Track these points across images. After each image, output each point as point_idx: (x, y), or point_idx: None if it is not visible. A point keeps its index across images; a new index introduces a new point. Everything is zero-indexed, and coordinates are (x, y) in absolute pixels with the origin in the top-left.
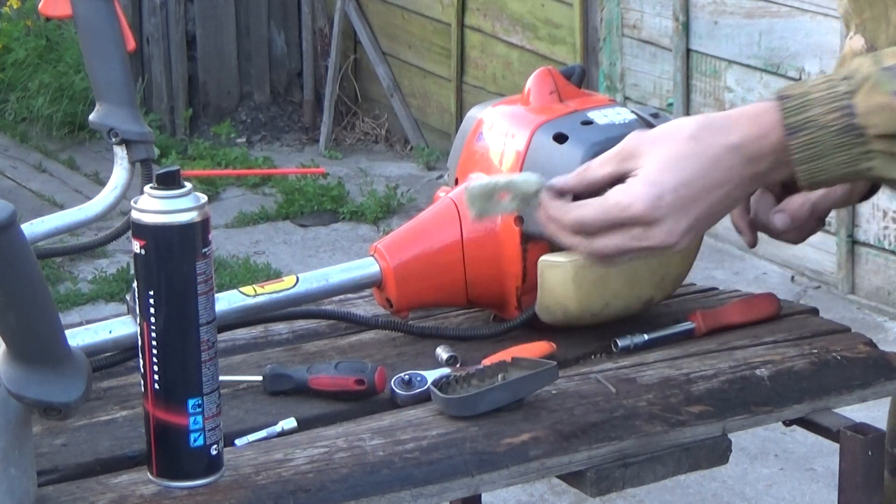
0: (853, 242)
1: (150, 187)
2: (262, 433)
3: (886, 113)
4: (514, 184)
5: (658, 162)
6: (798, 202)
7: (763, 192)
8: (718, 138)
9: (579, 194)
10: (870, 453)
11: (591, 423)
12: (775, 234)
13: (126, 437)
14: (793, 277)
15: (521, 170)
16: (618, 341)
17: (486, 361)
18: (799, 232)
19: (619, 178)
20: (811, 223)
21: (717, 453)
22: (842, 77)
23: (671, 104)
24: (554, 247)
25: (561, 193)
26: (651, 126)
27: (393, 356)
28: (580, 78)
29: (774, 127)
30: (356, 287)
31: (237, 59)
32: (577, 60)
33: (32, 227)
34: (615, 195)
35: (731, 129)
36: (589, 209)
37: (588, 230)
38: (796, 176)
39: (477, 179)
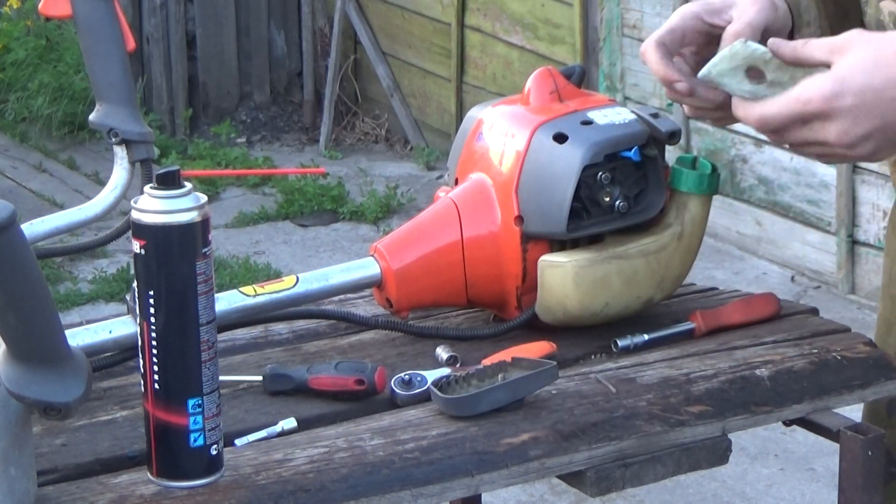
0: (853, 242)
1: (150, 187)
2: (262, 433)
3: None
4: (742, 50)
5: (856, 61)
6: (731, 32)
7: (678, 54)
8: None
9: (787, 62)
10: (870, 453)
11: (591, 423)
12: (714, 97)
13: (126, 437)
14: (793, 277)
15: (521, 170)
16: (618, 341)
17: (486, 361)
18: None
19: (825, 66)
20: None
21: (717, 453)
22: None
23: (671, 104)
24: (554, 247)
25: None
26: (651, 126)
27: (393, 356)
28: (580, 78)
29: None
30: (356, 287)
31: (237, 59)
32: (577, 60)
33: (32, 227)
34: (798, 88)
35: None
36: (772, 107)
37: (771, 126)
38: None
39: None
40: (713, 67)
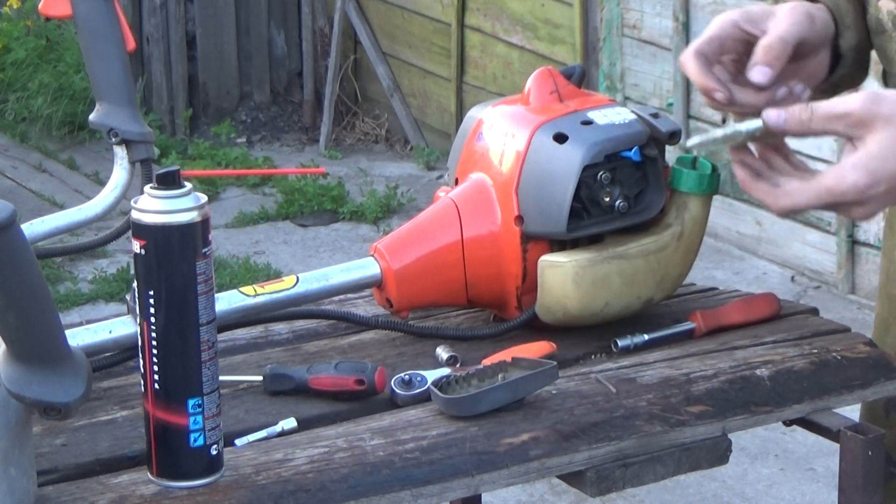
0: (853, 242)
1: (150, 187)
2: (262, 433)
3: None
4: (735, 134)
5: (883, 147)
6: (764, 45)
7: (717, 63)
8: None
9: (796, 136)
10: (870, 453)
11: (591, 423)
12: (752, 102)
13: (126, 437)
14: (793, 277)
15: (521, 170)
16: (618, 341)
17: (486, 361)
18: (789, 88)
19: (844, 137)
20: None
21: (717, 453)
22: None
23: (671, 104)
24: (554, 247)
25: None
26: (651, 126)
27: (393, 356)
28: (580, 78)
29: None
30: (356, 287)
31: (237, 59)
32: (577, 60)
33: (32, 227)
34: (828, 180)
35: None
36: (801, 197)
37: (797, 212)
38: None
39: (696, 138)
40: (702, 143)
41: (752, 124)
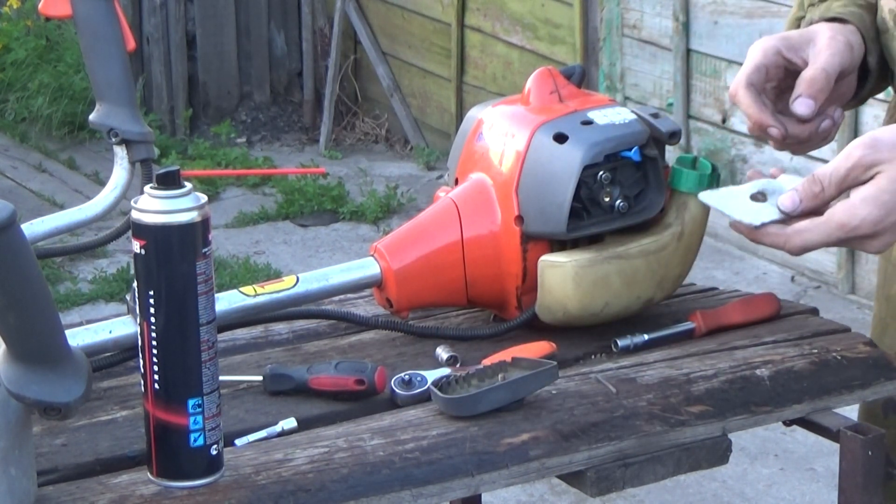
0: None
1: (150, 187)
2: (262, 433)
3: None
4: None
5: (893, 181)
6: (806, 77)
7: (762, 91)
8: None
9: (813, 211)
10: (870, 453)
11: (591, 423)
12: (796, 133)
13: (126, 437)
14: (793, 277)
15: (521, 170)
16: (618, 341)
17: (486, 361)
18: (829, 116)
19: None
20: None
21: (717, 453)
22: None
23: (671, 104)
24: (554, 247)
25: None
26: (651, 126)
27: (393, 356)
28: (580, 78)
29: None
30: (356, 287)
31: (237, 59)
32: (577, 60)
33: (32, 227)
34: (840, 216)
35: None
36: (813, 235)
37: (810, 251)
38: None
39: (713, 196)
40: (716, 200)
41: (769, 214)
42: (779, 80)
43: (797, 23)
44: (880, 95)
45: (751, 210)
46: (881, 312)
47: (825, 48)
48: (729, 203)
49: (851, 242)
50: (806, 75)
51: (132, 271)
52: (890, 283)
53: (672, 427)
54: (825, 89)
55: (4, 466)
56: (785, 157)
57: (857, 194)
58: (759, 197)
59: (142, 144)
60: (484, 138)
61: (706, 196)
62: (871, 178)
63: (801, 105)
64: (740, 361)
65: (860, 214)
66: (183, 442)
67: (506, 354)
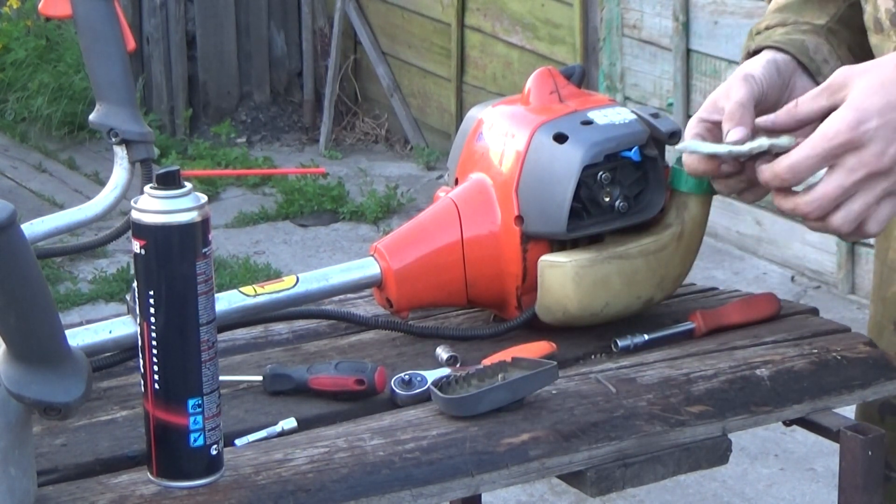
0: (853, 242)
1: (150, 187)
2: (262, 433)
3: None
4: (733, 153)
5: (865, 88)
6: (728, 112)
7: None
8: None
9: (790, 129)
10: (870, 453)
11: (591, 423)
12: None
13: (126, 437)
14: (793, 277)
15: (521, 170)
16: (618, 341)
17: (486, 361)
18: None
19: (830, 111)
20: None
21: (717, 453)
22: None
23: (671, 104)
24: (554, 247)
25: (772, 130)
26: (651, 126)
27: (393, 356)
28: (580, 78)
29: None
30: (356, 287)
31: (237, 59)
32: (577, 60)
33: (32, 227)
34: (820, 128)
35: None
36: (797, 152)
37: (802, 172)
38: None
39: (693, 144)
40: (696, 151)
41: (753, 143)
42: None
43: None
44: None
45: (729, 146)
46: (877, 315)
47: (738, 88)
48: (712, 146)
49: (845, 162)
50: (726, 113)
51: (132, 271)
52: (886, 285)
53: (672, 427)
54: (746, 116)
55: (4, 466)
56: None
57: (834, 112)
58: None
59: (142, 144)
60: (484, 138)
61: (686, 146)
62: (845, 96)
63: (734, 133)
64: (740, 361)
65: (837, 119)
66: (183, 442)
67: (506, 354)
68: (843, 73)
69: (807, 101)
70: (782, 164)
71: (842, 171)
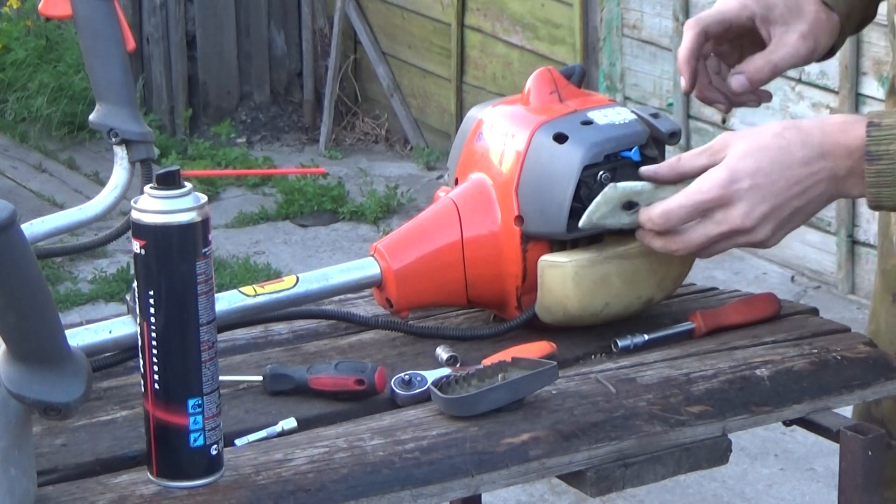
0: (853, 242)
1: (150, 187)
2: (262, 433)
3: None
4: (619, 193)
5: (740, 151)
6: (758, 64)
7: (717, 57)
8: (801, 136)
9: (671, 181)
10: (870, 453)
11: (591, 423)
12: (733, 98)
13: (126, 437)
14: (793, 277)
15: (521, 170)
16: (618, 341)
17: (486, 361)
18: (758, 95)
19: (708, 169)
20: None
21: (717, 453)
22: None
23: (671, 104)
24: (554, 247)
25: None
26: (651, 126)
27: (393, 356)
28: (580, 78)
29: (858, 144)
30: (356, 287)
31: (237, 59)
32: (577, 60)
33: (32, 227)
34: (695, 184)
35: (815, 130)
36: (672, 201)
37: (673, 220)
38: (865, 194)
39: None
40: (592, 215)
41: (632, 184)
42: (737, 37)
43: None
44: (879, 95)
45: (614, 188)
46: (878, 287)
47: (790, 44)
48: (595, 204)
49: (714, 215)
50: (757, 63)
51: (132, 271)
52: (886, 257)
53: (672, 427)
54: (765, 80)
55: (4, 466)
56: None
57: (711, 169)
58: (629, 206)
59: (142, 144)
60: (484, 138)
61: (585, 222)
62: (723, 157)
63: (737, 82)
64: (740, 361)
65: (710, 175)
66: (183, 442)
67: (506, 354)
68: (725, 137)
69: (689, 158)
70: (657, 210)
71: (709, 223)
